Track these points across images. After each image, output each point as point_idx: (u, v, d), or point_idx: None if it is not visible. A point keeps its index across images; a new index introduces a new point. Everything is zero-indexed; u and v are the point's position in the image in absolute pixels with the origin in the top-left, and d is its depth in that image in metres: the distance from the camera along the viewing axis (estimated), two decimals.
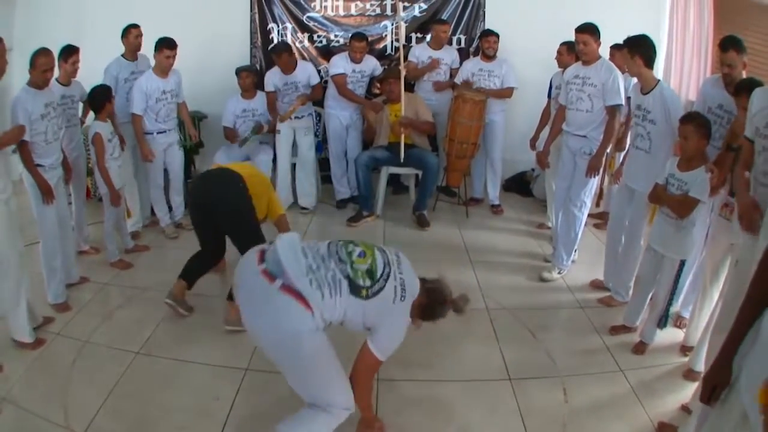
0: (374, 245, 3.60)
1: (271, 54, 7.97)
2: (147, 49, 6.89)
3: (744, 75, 4.60)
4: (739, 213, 3.66)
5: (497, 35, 7.77)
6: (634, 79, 5.23)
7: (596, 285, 5.95)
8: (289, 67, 7.63)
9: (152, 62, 6.89)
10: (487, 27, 8.56)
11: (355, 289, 3.29)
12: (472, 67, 7.91)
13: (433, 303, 3.54)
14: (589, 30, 5.60)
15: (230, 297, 4.86)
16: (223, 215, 5.03)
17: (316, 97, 7.92)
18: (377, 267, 3.39)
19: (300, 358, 3.29)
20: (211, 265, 5.48)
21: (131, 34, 6.70)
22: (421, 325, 3.67)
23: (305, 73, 7.80)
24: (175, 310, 5.19)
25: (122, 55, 6.80)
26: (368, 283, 3.32)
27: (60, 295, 5.38)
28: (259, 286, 3.22)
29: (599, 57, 5.69)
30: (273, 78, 7.72)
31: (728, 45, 4.59)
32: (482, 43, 7.89)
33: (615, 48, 6.51)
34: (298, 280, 3.18)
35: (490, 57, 7.79)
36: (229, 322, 4.95)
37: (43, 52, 5.01)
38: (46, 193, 5.09)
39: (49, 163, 5.18)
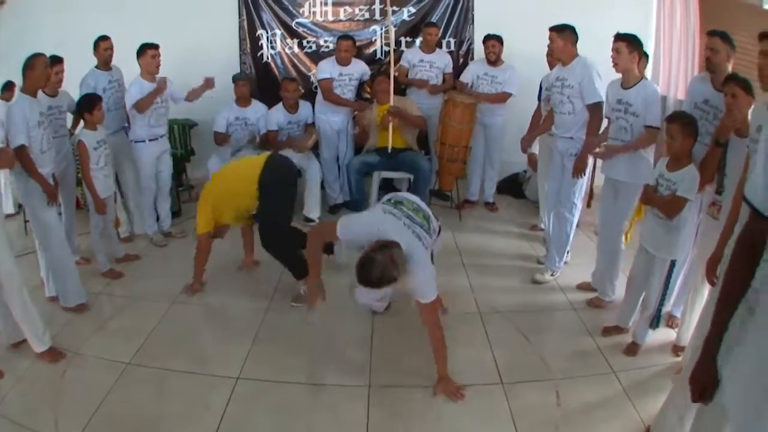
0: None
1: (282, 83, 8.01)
2: (126, 58, 6.86)
3: (730, 68, 4.65)
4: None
5: (498, 39, 7.74)
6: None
7: (583, 287, 5.92)
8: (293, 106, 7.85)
9: (124, 72, 6.96)
10: (476, 30, 8.66)
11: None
12: (477, 69, 7.93)
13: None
14: (555, 28, 5.63)
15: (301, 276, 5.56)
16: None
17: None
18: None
19: None
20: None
21: (100, 46, 6.69)
22: None
23: (307, 110, 8.01)
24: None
25: (96, 67, 6.78)
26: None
27: (82, 294, 5.56)
28: None
29: (576, 56, 5.65)
30: (276, 117, 7.81)
31: (714, 32, 4.69)
32: (484, 48, 7.90)
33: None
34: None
35: (492, 62, 7.79)
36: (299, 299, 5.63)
37: (39, 55, 5.09)
38: (51, 194, 5.18)
39: (45, 173, 5.20)
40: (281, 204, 5.68)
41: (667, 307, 5.05)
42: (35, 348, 4.71)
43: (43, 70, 5.11)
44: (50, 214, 5.25)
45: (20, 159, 4.95)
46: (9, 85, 6.45)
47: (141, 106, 6.57)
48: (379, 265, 3.89)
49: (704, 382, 2.62)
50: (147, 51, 6.66)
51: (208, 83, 7.25)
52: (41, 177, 5.08)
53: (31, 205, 5.25)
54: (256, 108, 7.81)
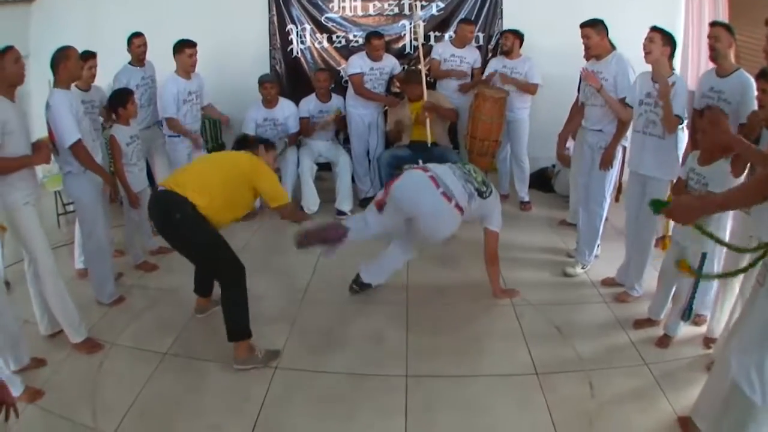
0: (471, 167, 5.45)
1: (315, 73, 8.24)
2: (156, 54, 6.99)
3: (732, 55, 4.95)
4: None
5: (515, 33, 7.76)
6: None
7: (607, 283, 5.92)
8: (325, 95, 8.03)
9: (157, 68, 7.07)
10: (505, 25, 8.63)
11: (480, 194, 5.24)
12: (496, 64, 7.91)
13: None
14: (589, 24, 5.65)
15: (237, 337, 4.59)
16: (180, 247, 4.73)
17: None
18: (482, 178, 5.38)
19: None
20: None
21: (134, 43, 6.78)
22: None
23: (339, 102, 8.12)
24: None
25: (129, 63, 6.87)
26: (484, 188, 5.31)
27: (114, 293, 5.60)
28: (443, 205, 5.06)
29: (611, 51, 5.71)
30: (308, 105, 7.99)
31: (716, 23, 5.05)
32: (500, 40, 7.99)
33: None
34: (462, 199, 5.11)
35: (507, 54, 7.79)
36: (239, 361, 4.58)
37: (70, 47, 5.06)
38: (113, 185, 5.43)
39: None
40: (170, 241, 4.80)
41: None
42: (72, 339, 4.77)
43: (76, 61, 5.09)
44: (98, 216, 5.34)
45: (78, 155, 4.97)
46: None
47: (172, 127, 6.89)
48: None
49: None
50: (185, 49, 6.75)
51: (225, 121, 7.81)
52: (101, 169, 5.17)
53: (80, 205, 5.34)
54: (284, 106, 7.86)
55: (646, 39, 5.07)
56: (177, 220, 4.47)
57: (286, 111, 7.83)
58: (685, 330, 4.87)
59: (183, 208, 4.44)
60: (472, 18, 8.66)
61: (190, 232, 4.52)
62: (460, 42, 8.13)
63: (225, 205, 4.62)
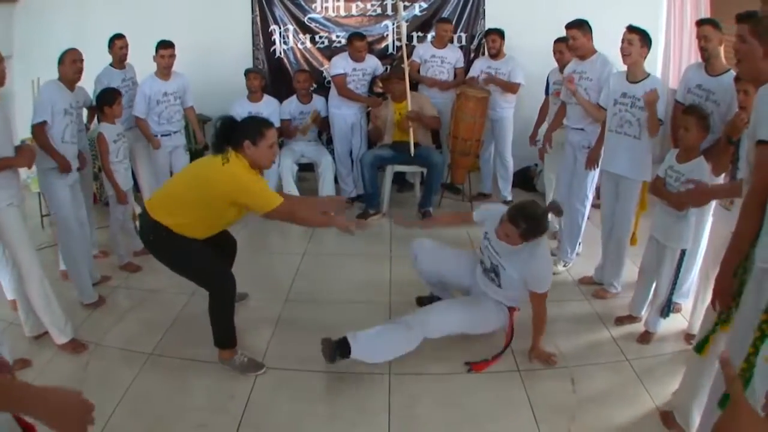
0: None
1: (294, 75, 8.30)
2: (140, 55, 6.97)
3: (722, 52, 4.81)
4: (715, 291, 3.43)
5: (499, 33, 7.81)
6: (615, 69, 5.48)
7: (585, 282, 5.99)
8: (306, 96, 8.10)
9: (138, 70, 7.06)
10: (487, 25, 8.67)
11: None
12: (481, 65, 7.99)
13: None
14: (576, 25, 5.66)
15: (221, 345, 4.57)
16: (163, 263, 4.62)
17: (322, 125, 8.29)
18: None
19: None
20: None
21: (116, 45, 6.75)
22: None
23: (320, 104, 8.18)
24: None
25: (110, 65, 6.84)
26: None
27: (92, 295, 5.55)
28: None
29: (595, 51, 5.75)
30: (289, 107, 8.08)
31: (703, 21, 4.90)
32: (485, 42, 8.03)
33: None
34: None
35: (493, 55, 7.86)
36: (222, 361, 4.56)
37: (69, 50, 5.30)
38: (65, 166, 5.25)
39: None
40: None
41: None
42: (57, 340, 4.75)
43: (70, 64, 5.29)
44: (69, 214, 5.35)
45: (37, 137, 5.07)
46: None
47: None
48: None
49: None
50: (159, 50, 6.81)
51: (200, 141, 7.78)
52: (55, 152, 5.17)
53: (52, 203, 5.37)
54: (268, 102, 7.91)
55: (624, 41, 5.10)
56: (150, 242, 4.50)
57: (270, 106, 7.88)
58: (667, 326, 4.94)
59: (154, 231, 4.37)
60: (454, 18, 8.73)
61: (165, 256, 4.54)
62: (439, 42, 8.19)
63: (204, 225, 4.45)
